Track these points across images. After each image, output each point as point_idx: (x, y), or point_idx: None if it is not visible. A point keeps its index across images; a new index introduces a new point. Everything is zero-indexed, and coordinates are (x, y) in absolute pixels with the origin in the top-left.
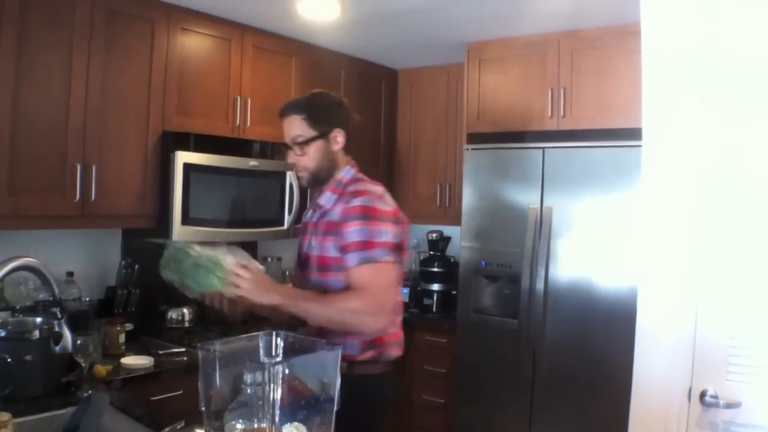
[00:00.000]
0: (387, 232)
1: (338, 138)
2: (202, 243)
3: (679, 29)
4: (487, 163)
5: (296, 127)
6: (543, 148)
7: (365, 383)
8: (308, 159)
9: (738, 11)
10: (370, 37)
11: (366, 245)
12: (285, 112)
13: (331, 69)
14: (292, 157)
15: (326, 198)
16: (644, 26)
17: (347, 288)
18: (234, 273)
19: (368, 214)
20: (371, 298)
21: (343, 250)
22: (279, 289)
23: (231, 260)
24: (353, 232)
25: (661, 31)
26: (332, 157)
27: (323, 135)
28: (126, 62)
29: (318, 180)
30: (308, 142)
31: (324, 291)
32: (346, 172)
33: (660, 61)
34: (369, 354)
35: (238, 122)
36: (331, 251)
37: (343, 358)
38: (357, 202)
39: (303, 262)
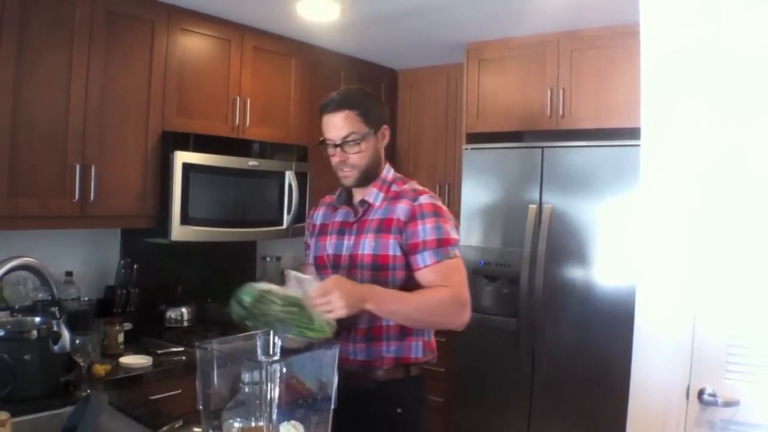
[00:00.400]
0: (454, 229)
1: (386, 134)
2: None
3: (679, 29)
4: (487, 162)
5: (351, 123)
6: (542, 147)
7: (422, 384)
8: (360, 157)
9: (738, 11)
10: (369, 38)
11: (442, 242)
12: (338, 106)
13: (331, 70)
14: (339, 155)
15: (374, 195)
16: (643, 26)
17: (415, 286)
18: (318, 304)
19: (439, 212)
20: (458, 292)
21: (413, 248)
22: (366, 294)
23: (301, 290)
24: (429, 229)
25: (660, 31)
26: (380, 154)
27: (375, 132)
28: (126, 63)
29: (366, 178)
30: (363, 138)
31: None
32: (388, 169)
33: (659, 61)
34: (429, 356)
35: (237, 122)
36: (392, 249)
37: (403, 361)
38: (425, 200)
39: (322, 263)
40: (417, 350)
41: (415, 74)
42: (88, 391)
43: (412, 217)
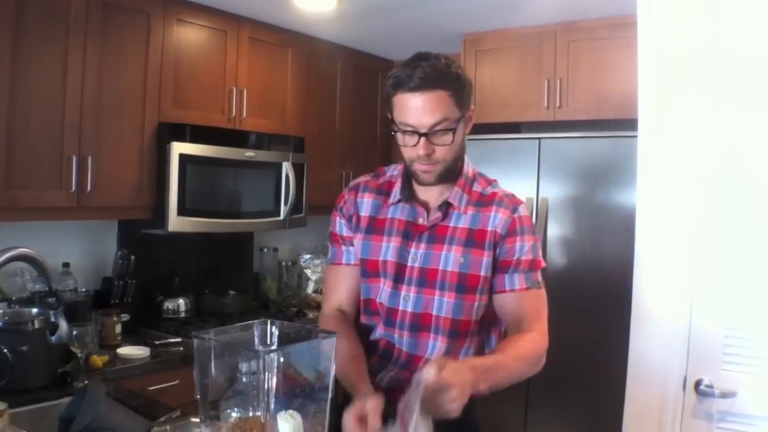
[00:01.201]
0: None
1: (472, 117)
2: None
3: (677, 22)
4: (484, 154)
5: (444, 106)
6: (539, 138)
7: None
8: (449, 149)
9: (737, 10)
10: (366, 29)
11: (535, 265)
12: (428, 84)
13: (328, 60)
14: (424, 147)
15: (458, 197)
16: (641, 19)
17: (500, 315)
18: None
19: (534, 229)
20: (546, 337)
21: (503, 266)
22: (477, 379)
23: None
24: (526, 248)
25: (657, 23)
26: (464, 143)
27: (465, 116)
28: (122, 54)
29: (450, 175)
30: (456, 126)
31: (459, 321)
32: (467, 162)
33: (656, 54)
34: None
35: (234, 113)
36: (484, 269)
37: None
38: (524, 211)
39: (372, 270)
40: None
41: None
42: (86, 381)
43: (511, 231)
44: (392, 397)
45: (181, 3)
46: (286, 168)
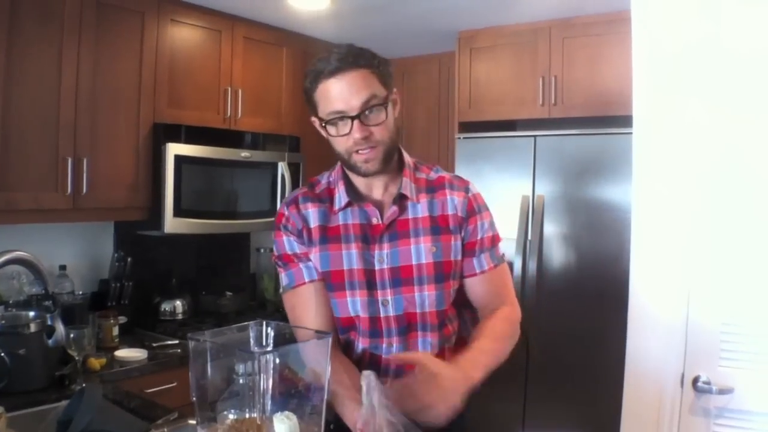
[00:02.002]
0: None
1: (398, 100)
2: None
3: (673, 23)
4: (479, 151)
5: (370, 83)
6: (534, 136)
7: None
8: (384, 128)
9: (731, 7)
10: (360, 27)
11: (496, 240)
12: (350, 64)
13: None
14: (360, 130)
15: (409, 187)
16: (635, 15)
17: (471, 297)
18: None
19: (486, 204)
20: (516, 304)
21: (469, 248)
22: (465, 381)
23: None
24: (486, 226)
25: (652, 19)
26: (398, 127)
27: (391, 99)
28: (116, 55)
29: (389, 160)
30: (385, 104)
31: (438, 311)
32: (403, 151)
33: (651, 50)
34: None
35: (229, 113)
36: (454, 253)
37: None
38: (474, 189)
39: (337, 282)
40: None
41: (407, 63)
42: (84, 384)
43: (471, 211)
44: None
45: (175, 3)
46: (282, 168)
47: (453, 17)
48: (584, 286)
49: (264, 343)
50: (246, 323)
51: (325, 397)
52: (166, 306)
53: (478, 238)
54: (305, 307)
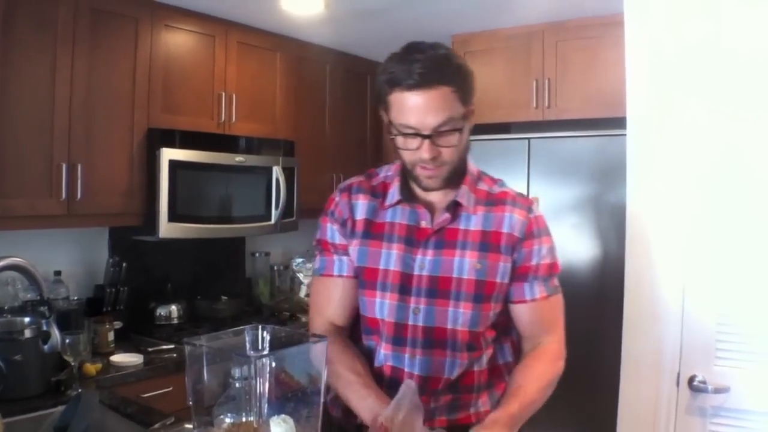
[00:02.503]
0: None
1: (474, 112)
2: None
3: (666, 24)
4: (474, 154)
5: (449, 105)
6: (528, 138)
7: None
8: (457, 149)
9: (726, 8)
10: (354, 31)
11: (553, 269)
12: (430, 81)
13: (316, 64)
14: (428, 150)
15: (466, 196)
16: (628, 17)
17: (517, 324)
18: None
19: (549, 229)
20: (563, 346)
21: (521, 272)
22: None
23: None
24: (544, 252)
25: (645, 22)
26: (469, 142)
27: (468, 112)
28: (110, 61)
29: (453, 177)
30: (459, 128)
31: (474, 333)
32: (469, 160)
33: (644, 52)
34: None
35: (223, 118)
36: (501, 275)
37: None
38: (538, 210)
39: (370, 279)
40: (494, 400)
41: None
42: (80, 389)
43: (529, 234)
44: None
45: (168, 8)
46: (277, 172)
47: (447, 21)
48: (580, 287)
49: (260, 347)
50: (242, 327)
51: (322, 400)
52: (161, 311)
53: (533, 263)
54: (328, 298)
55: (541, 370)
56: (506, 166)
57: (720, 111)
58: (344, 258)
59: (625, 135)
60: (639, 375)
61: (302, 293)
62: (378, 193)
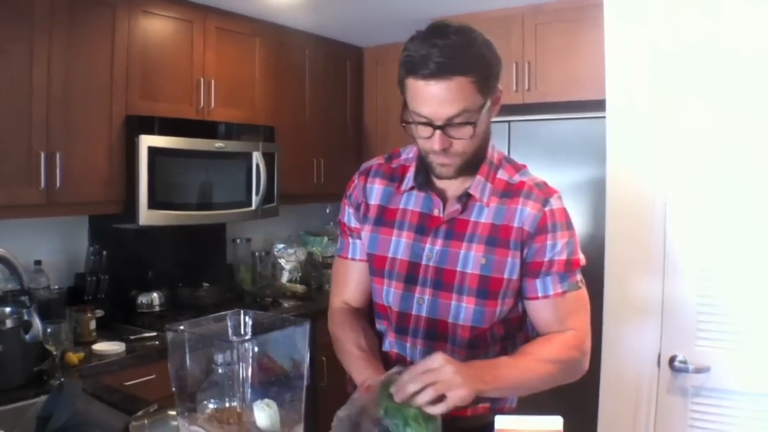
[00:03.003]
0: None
1: (500, 98)
2: None
3: (641, 7)
4: None
5: (464, 95)
6: (509, 122)
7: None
8: (468, 143)
9: (732, 7)
10: (333, 15)
11: (572, 264)
12: (446, 70)
13: (296, 49)
14: (440, 141)
15: (480, 187)
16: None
17: (533, 323)
18: (426, 383)
19: (571, 223)
20: (584, 340)
21: (534, 268)
22: (481, 371)
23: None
24: (560, 246)
25: (623, 3)
26: (490, 129)
27: (492, 99)
28: (88, 47)
29: (469, 167)
30: (477, 116)
31: (483, 330)
32: (492, 146)
33: (622, 35)
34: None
35: (202, 104)
36: (509, 271)
37: (498, 411)
38: (557, 203)
39: (379, 267)
40: (514, 398)
41: (381, 51)
42: (62, 379)
43: (541, 228)
44: None
45: None
46: (257, 158)
47: (426, 5)
48: None
49: (242, 333)
50: (223, 313)
51: (305, 384)
52: (143, 299)
53: (546, 259)
54: (344, 279)
55: (543, 346)
56: None
57: (703, 97)
58: (358, 242)
59: (604, 117)
60: (620, 356)
61: (284, 279)
62: (396, 177)
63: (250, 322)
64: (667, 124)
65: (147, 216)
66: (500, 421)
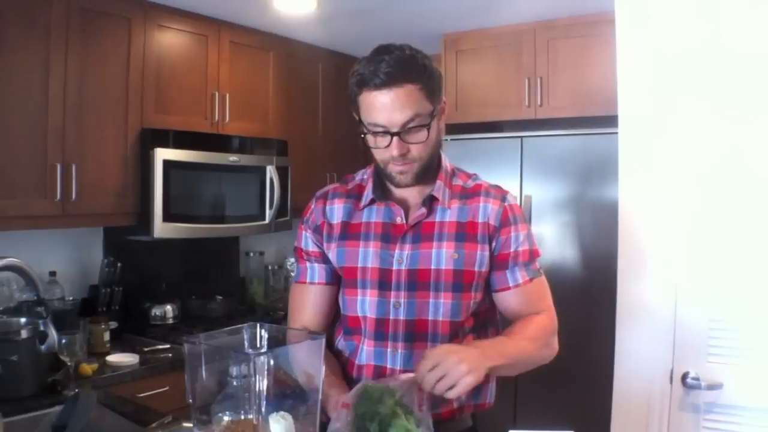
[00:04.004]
0: None
1: (446, 109)
2: None
3: (656, 22)
4: (466, 153)
5: (414, 101)
6: (521, 137)
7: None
8: (425, 146)
9: (732, 8)
10: (346, 30)
11: (534, 254)
12: (394, 79)
13: (309, 63)
14: (398, 147)
15: (441, 190)
16: (618, 15)
17: (504, 312)
18: (432, 381)
19: (525, 216)
20: (554, 318)
21: (501, 260)
22: (484, 349)
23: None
24: (522, 238)
25: (635, 19)
26: (441, 138)
27: (438, 110)
28: (103, 61)
29: (425, 173)
30: (427, 124)
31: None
32: (444, 158)
33: (634, 50)
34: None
35: (216, 118)
36: (479, 263)
37: (476, 409)
38: (513, 200)
39: (350, 278)
40: (492, 393)
41: None
42: (77, 389)
43: (505, 222)
44: None
45: (160, 8)
46: (270, 171)
47: (438, 20)
48: (572, 284)
49: (258, 345)
50: (238, 326)
51: (320, 397)
52: (156, 311)
53: (512, 250)
54: (302, 304)
55: (524, 325)
56: (499, 165)
57: (717, 111)
58: (316, 265)
59: (616, 133)
60: (632, 372)
61: None
62: (353, 195)
63: (266, 335)
64: (679, 134)
65: (161, 228)
66: None
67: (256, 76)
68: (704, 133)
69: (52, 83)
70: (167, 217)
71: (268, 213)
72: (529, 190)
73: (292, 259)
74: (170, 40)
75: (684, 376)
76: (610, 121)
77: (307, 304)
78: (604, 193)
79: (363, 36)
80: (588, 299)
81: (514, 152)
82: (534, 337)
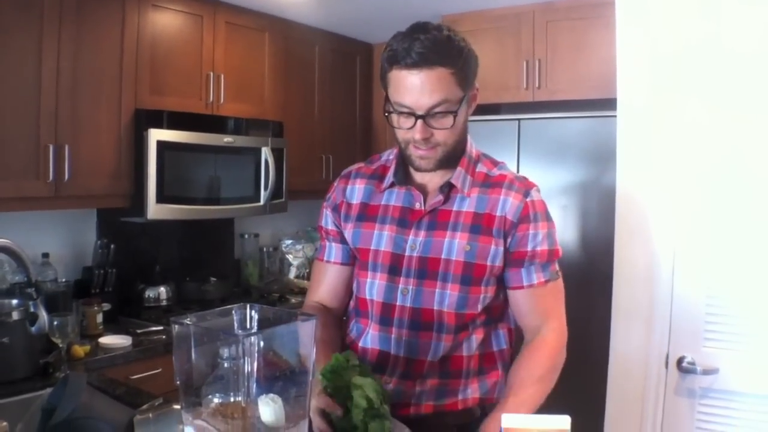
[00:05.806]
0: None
1: (477, 96)
2: None
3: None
4: None
5: (444, 86)
6: (518, 119)
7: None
8: (450, 133)
9: (732, 7)
10: (343, 12)
11: (553, 255)
12: (427, 61)
13: (305, 44)
14: (421, 131)
15: (461, 178)
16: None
17: (514, 311)
18: None
19: (549, 215)
20: (563, 334)
21: (517, 258)
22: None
23: None
24: (542, 237)
25: (635, 2)
26: (467, 125)
27: (469, 96)
28: (97, 41)
29: (448, 160)
30: (458, 108)
31: (457, 314)
32: (470, 143)
33: (634, 33)
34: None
35: (211, 99)
36: (492, 258)
37: (486, 402)
38: (537, 196)
39: (364, 260)
40: (498, 390)
41: None
42: (68, 371)
43: (524, 218)
44: (396, 414)
45: None
46: (266, 153)
47: (435, 1)
48: (569, 268)
49: (248, 327)
50: (229, 307)
51: (311, 379)
52: (149, 293)
53: (529, 249)
54: (318, 279)
55: (536, 363)
56: (496, 148)
57: (715, 98)
58: (333, 245)
59: (615, 116)
60: (628, 357)
61: (291, 275)
62: (377, 176)
63: (256, 317)
64: (677, 123)
65: (155, 210)
66: (507, 420)
67: (252, 57)
68: (702, 120)
69: (45, 64)
70: (161, 198)
71: (263, 195)
72: (525, 173)
73: (288, 241)
74: (165, 21)
75: (680, 361)
76: (609, 104)
77: (323, 281)
78: (603, 175)
79: (360, 17)
80: (584, 283)
81: (511, 135)
82: (541, 377)
